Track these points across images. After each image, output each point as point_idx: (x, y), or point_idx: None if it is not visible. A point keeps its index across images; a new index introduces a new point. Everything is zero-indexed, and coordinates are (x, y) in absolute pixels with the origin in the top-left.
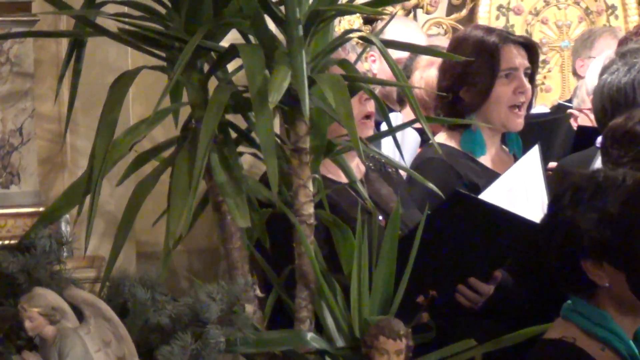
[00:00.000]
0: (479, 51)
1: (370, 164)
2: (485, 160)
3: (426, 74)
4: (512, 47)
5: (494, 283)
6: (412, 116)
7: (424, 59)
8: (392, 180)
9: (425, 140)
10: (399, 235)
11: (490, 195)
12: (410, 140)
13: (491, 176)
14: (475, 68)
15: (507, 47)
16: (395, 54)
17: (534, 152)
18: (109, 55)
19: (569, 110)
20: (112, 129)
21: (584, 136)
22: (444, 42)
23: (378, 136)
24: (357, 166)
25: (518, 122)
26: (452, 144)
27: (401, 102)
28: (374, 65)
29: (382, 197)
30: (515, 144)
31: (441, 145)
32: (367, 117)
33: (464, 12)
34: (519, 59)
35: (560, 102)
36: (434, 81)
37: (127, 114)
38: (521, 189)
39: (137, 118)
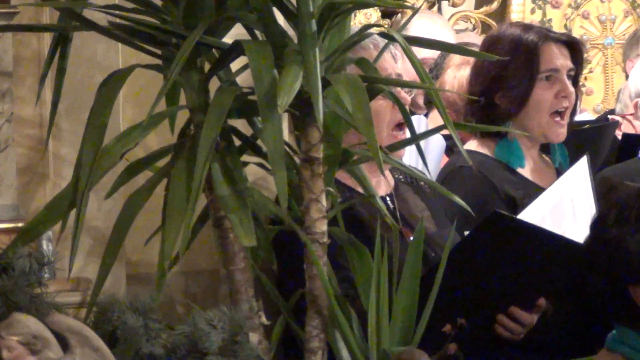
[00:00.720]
0: (516, 51)
1: (400, 176)
2: (523, 170)
3: (460, 74)
4: (553, 46)
5: (538, 312)
6: (438, 120)
7: (457, 57)
8: (424, 194)
9: (451, 147)
10: (432, 258)
11: (534, 212)
12: (434, 145)
13: (531, 188)
14: (511, 70)
15: (547, 46)
16: (420, 52)
17: (582, 163)
18: (98, 52)
19: (610, 117)
20: (100, 135)
21: (629, 145)
22: (474, 38)
23: (400, 144)
24: (385, 179)
25: (560, 133)
26: (485, 152)
27: (429, 104)
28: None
29: (414, 214)
30: (561, 155)
31: (472, 153)
32: (399, 126)
33: (495, 4)
34: (561, 59)
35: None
36: (465, 82)
37: (118, 119)
38: (568, 206)
39: (128, 123)
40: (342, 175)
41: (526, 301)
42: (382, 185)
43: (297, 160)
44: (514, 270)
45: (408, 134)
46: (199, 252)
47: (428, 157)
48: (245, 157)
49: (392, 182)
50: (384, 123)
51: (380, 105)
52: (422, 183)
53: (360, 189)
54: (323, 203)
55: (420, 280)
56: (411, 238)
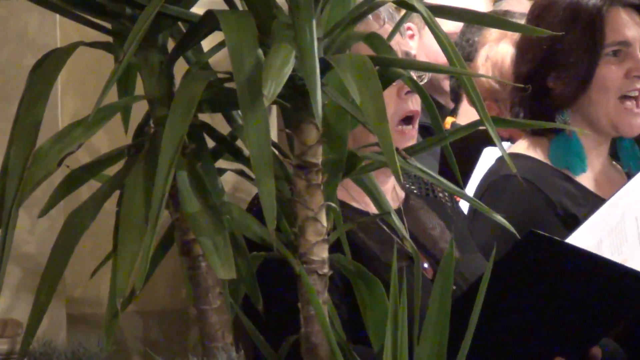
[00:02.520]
0: (574, 19)
1: (413, 187)
2: (587, 179)
3: (494, 52)
4: (622, 12)
5: None
6: (472, 115)
7: (493, 30)
8: (444, 210)
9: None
10: (452, 292)
11: (588, 234)
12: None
13: (596, 202)
14: (568, 44)
15: (614, 13)
16: (445, 25)
17: None
18: (29, 26)
19: None
20: (32, 134)
21: None
22: (519, 6)
23: (425, 145)
24: (392, 190)
25: (633, 123)
26: (537, 155)
27: (456, 95)
28: (411, 43)
29: (429, 236)
30: (630, 155)
31: (520, 157)
32: (408, 119)
33: None
34: (633, 29)
35: None
36: (505, 62)
37: (55, 112)
38: (631, 226)
39: (69, 119)
40: (342, 193)
41: (577, 350)
42: (389, 197)
43: (288, 166)
44: (559, 308)
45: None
46: (161, 286)
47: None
48: (221, 163)
49: (401, 194)
50: (388, 116)
51: None
52: (441, 195)
53: (355, 203)
54: (323, 222)
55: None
56: (425, 265)
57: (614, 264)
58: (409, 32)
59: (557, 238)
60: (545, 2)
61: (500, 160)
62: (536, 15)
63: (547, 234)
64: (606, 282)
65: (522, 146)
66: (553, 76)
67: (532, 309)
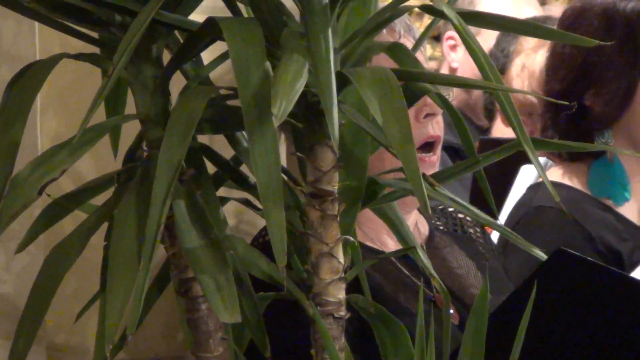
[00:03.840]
0: (610, 28)
1: (439, 223)
2: (631, 210)
3: (531, 61)
4: None
5: None
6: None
7: (530, 38)
8: (474, 248)
9: None
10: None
11: None
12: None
13: None
14: (605, 57)
15: None
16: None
17: None
18: (4, 35)
19: None
20: (9, 159)
21: None
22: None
23: (455, 171)
24: (415, 226)
25: None
26: (574, 183)
27: (490, 112)
28: (454, 55)
29: (456, 277)
30: None
31: (556, 186)
32: (428, 146)
33: None
34: None
35: None
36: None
37: (35, 134)
38: None
39: (51, 141)
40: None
41: None
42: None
43: (300, 195)
44: (592, 336)
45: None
46: (155, 331)
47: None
48: (223, 191)
49: (425, 230)
50: None
51: None
52: (470, 231)
53: (369, 242)
54: (340, 259)
55: None
56: (451, 311)
57: None
58: (451, 42)
59: (588, 258)
60: (576, 10)
61: (532, 189)
62: (567, 26)
63: (577, 253)
64: None
65: (556, 174)
66: (590, 94)
67: (561, 337)
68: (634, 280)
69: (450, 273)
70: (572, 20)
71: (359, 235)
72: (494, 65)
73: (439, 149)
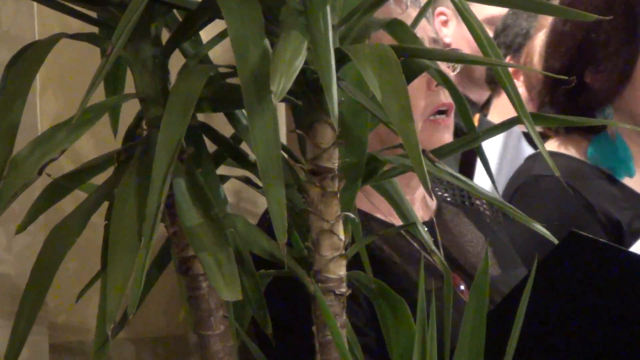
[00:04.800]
0: (610, 4)
1: (446, 195)
2: (632, 180)
3: None
4: None
5: None
6: (504, 113)
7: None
8: (483, 220)
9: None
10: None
11: None
12: (513, 149)
13: None
14: (605, 33)
15: None
16: (483, 10)
17: None
18: (2, 16)
19: None
20: (8, 139)
21: None
22: None
23: (455, 147)
24: (422, 199)
25: None
26: (573, 153)
27: (493, 83)
28: (445, 29)
29: (467, 252)
30: None
31: (553, 155)
32: (441, 112)
33: None
34: None
35: None
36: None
37: (34, 114)
38: None
39: (50, 121)
40: (362, 202)
41: None
42: (418, 208)
43: (300, 172)
44: (609, 323)
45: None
46: (156, 310)
47: (502, 167)
48: (223, 169)
49: (433, 203)
50: (416, 111)
51: (410, 85)
52: (477, 203)
53: (379, 214)
54: (340, 235)
55: None
56: (462, 287)
57: None
58: (442, 18)
59: (603, 240)
60: None
61: (530, 159)
62: (568, 3)
63: (591, 235)
64: None
65: (552, 145)
66: (590, 70)
67: (576, 324)
68: None
69: (460, 246)
70: None
71: (367, 207)
72: (493, 40)
73: (452, 115)
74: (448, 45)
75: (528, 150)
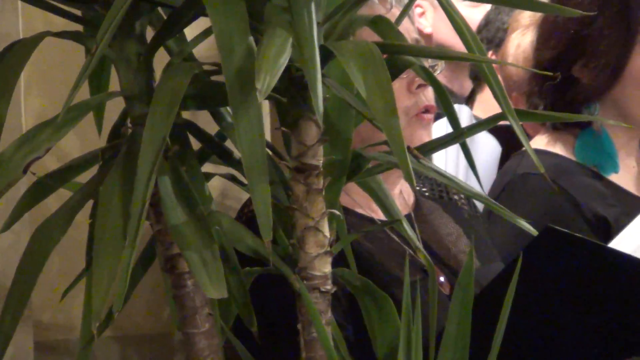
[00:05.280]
0: (606, 2)
1: (424, 189)
2: (619, 177)
3: (527, 41)
4: None
5: None
6: (488, 109)
7: (526, 14)
8: (461, 214)
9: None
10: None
11: (628, 239)
12: (482, 147)
13: (630, 203)
14: (598, 29)
15: None
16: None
17: None
18: None
19: None
20: None
21: None
22: None
23: (439, 143)
24: (400, 194)
25: None
26: (559, 151)
27: (476, 80)
28: (423, 21)
29: (445, 245)
30: None
31: (540, 153)
32: (425, 112)
33: None
34: None
35: None
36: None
37: (19, 112)
38: None
39: (34, 119)
40: (345, 199)
41: None
42: (397, 203)
43: (285, 169)
44: (586, 317)
45: (445, 127)
46: (140, 308)
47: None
48: (208, 167)
49: (411, 198)
50: (400, 112)
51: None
52: (457, 197)
53: (360, 209)
54: (325, 232)
55: None
56: (441, 279)
57: None
58: (419, 10)
59: (578, 235)
60: None
61: (516, 156)
62: None
63: (566, 230)
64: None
65: (540, 142)
66: (580, 64)
67: (551, 314)
68: (624, 255)
69: (439, 240)
70: None
71: (349, 203)
72: (476, 36)
73: (432, 115)
74: (429, 35)
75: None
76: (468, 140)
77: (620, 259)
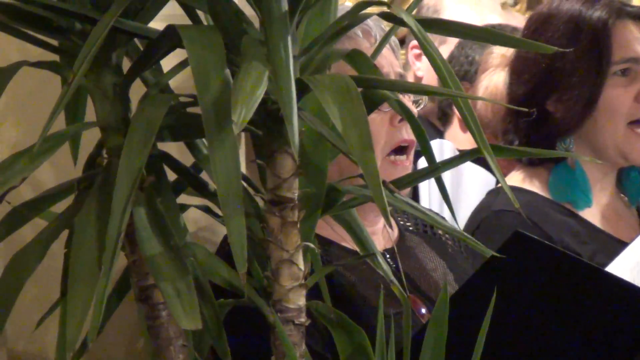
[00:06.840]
0: (576, 35)
1: (408, 224)
2: (592, 214)
3: (495, 81)
4: (631, 26)
5: None
6: (462, 141)
7: (496, 55)
8: (444, 248)
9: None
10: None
11: (622, 263)
12: (474, 178)
13: (602, 240)
14: (570, 63)
15: (621, 26)
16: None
17: None
18: None
19: None
20: None
21: None
22: (521, 20)
23: (413, 178)
24: (384, 227)
25: None
26: (534, 188)
27: (444, 117)
28: (419, 64)
29: (430, 278)
30: (638, 188)
31: (515, 191)
32: (401, 150)
33: None
34: None
35: None
36: (499, 89)
37: None
38: None
39: (10, 149)
40: (322, 227)
41: None
42: (379, 236)
43: (260, 202)
44: (554, 323)
45: (422, 163)
46: (114, 338)
47: (461, 199)
48: (183, 198)
49: (394, 232)
50: (376, 147)
51: (372, 120)
52: (439, 232)
53: (342, 242)
54: (300, 265)
55: None
56: (423, 311)
57: (608, 274)
58: (416, 51)
59: (546, 242)
60: (543, 15)
61: (491, 193)
62: (533, 30)
63: (534, 236)
64: (607, 296)
65: (516, 178)
66: (553, 99)
67: (519, 318)
68: (587, 264)
69: (422, 273)
70: (538, 25)
71: (331, 235)
72: (453, 71)
73: (412, 154)
74: (420, 78)
75: (469, 165)
76: (456, 174)
77: (584, 266)
